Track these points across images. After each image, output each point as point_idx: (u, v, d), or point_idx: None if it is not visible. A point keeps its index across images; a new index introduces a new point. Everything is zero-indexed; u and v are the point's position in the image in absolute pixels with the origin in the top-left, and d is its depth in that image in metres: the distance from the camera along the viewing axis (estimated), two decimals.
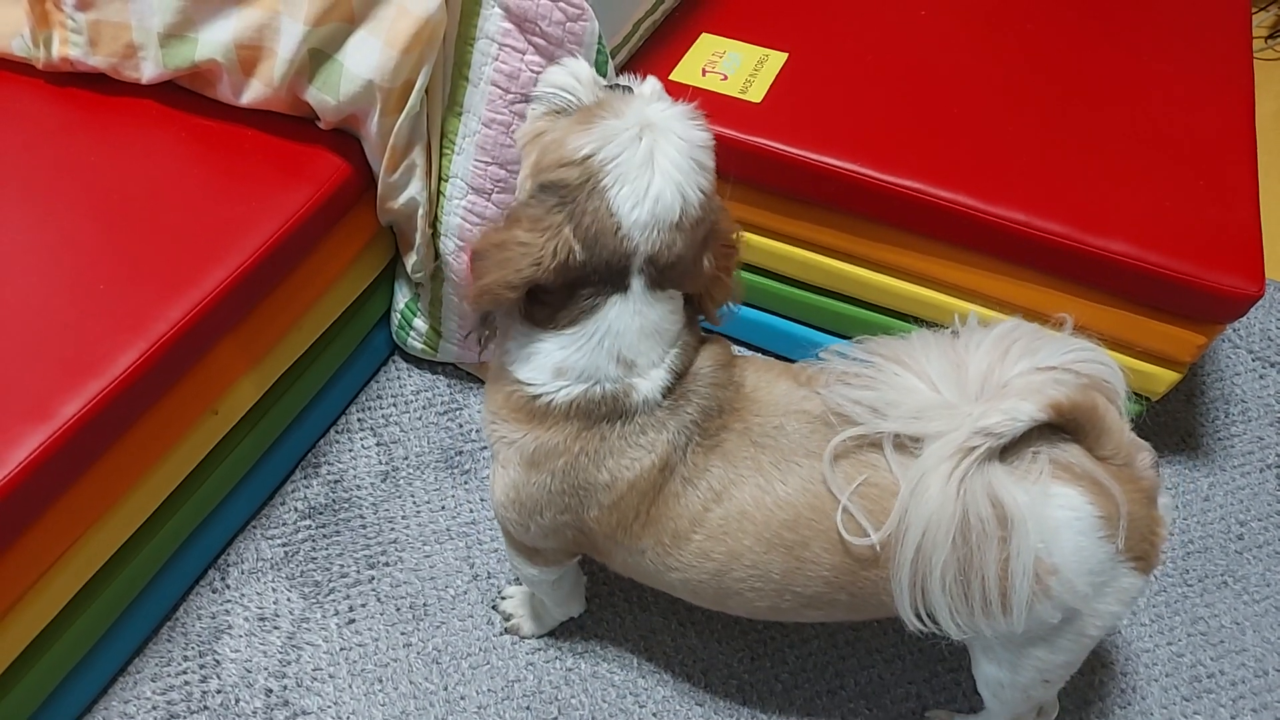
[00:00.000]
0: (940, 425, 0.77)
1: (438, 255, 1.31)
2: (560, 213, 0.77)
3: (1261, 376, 1.55)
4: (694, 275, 0.83)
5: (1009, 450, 0.78)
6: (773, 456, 0.85)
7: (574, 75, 0.85)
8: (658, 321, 0.83)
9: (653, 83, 0.83)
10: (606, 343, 0.82)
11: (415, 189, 1.23)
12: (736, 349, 0.95)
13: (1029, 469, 0.78)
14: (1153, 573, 0.85)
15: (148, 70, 1.19)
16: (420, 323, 1.41)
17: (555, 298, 0.81)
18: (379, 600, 1.26)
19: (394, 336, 1.47)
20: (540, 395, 0.85)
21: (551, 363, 0.84)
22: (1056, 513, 0.78)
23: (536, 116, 0.85)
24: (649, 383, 0.84)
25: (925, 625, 0.80)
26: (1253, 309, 1.51)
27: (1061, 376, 0.78)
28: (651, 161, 0.76)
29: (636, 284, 0.80)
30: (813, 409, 0.86)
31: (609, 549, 0.92)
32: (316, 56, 1.13)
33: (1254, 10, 2.14)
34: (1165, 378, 1.25)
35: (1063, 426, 0.79)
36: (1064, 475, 0.78)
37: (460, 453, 1.40)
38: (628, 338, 0.82)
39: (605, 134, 0.76)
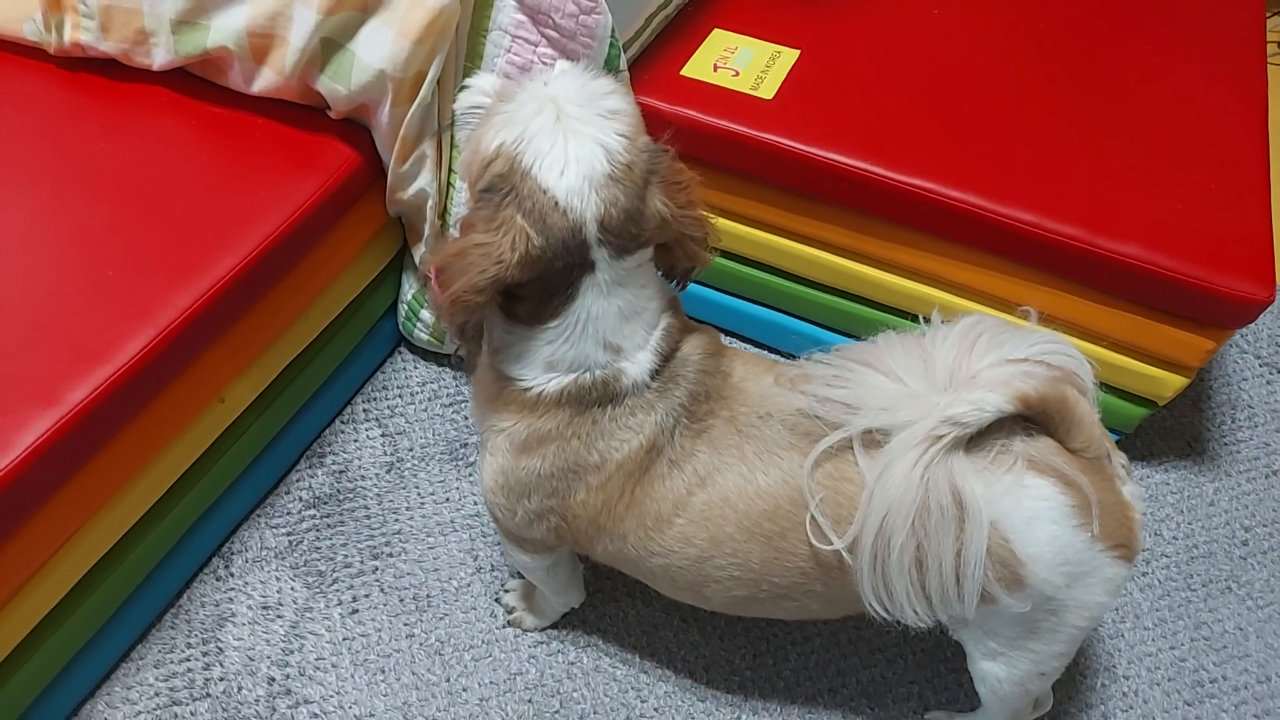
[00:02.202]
0: (908, 415, 0.78)
1: None
2: (508, 206, 0.76)
3: (1269, 382, 1.55)
4: (655, 225, 0.81)
5: (978, 441, 0.79)
6: (756, 447, 0.86)
7: (480, 91, 0.85)
8: (634, 301, 0.83)
9: (561, 64, 0.82)
10: (590, 329, 0.82)
11: (425, 180, 1.23)
12: (728, 341, 0.95)
13: (1000, 459, 0.79)
14: (1136, 560, 0.85)
15: (159, 57, 1.19)
16: (427, 315, 1.41)
17: (529, 292, 0.81)
18: (382, 591, 1.26)
19: (400, 328, 1.47)
20: (531, 388, 0.86)
21: (541, 358, 0.84)
22: (1030, 503, 0.79)
23: (465, 143, 0.85)
24: (636, 366, 0.85)
25: (887, 611, 0.81)
26: (1262, 315, 1.51)
27: (1033, 369, 0.78)
28: (559, 127, 0.75)
29: (601, 257, 0.79)
30: (795, 404, 0.87)
31: (592, 535, 0.92)
32: (329, 45, 1.13)
33: (1268, 15, 2.13)
34: (1173, 382, 1.24)
35: (1032, 419, 0.80)
36: (1034, 467, 0.79)
37: (465, 445, 1.40)
38: (608, 321, 0.83)
39: (505, 120, 0.76)
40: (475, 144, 0.79)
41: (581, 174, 0.75)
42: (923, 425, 0.77)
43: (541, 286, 0.80)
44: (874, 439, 0.81)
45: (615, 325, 0.83)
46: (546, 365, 0.85)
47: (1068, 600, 0.84)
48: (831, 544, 0.82)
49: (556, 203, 0.75)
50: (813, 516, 0.83)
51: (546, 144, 0.75)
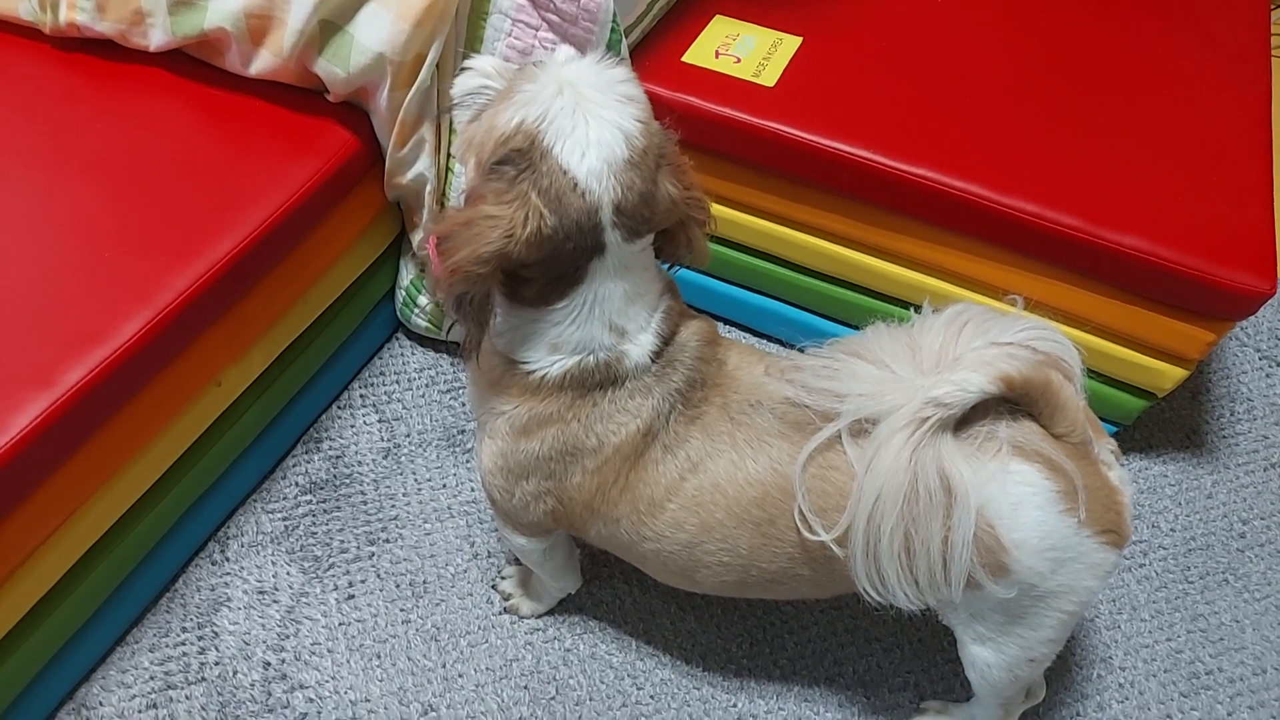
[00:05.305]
0: (893, 399, 0.78)
1: None
2: (523, 180, 0.76)
3: (1268, 375, 1.54)
4: (665, 208, 0.81)
5: (964, 425, 0.79)
6: (747, 434, 0.87)
7: (481, 73, 0.84)
8: (638, 282, 0.84)
9: (565, 50, 0.82)
10: (597, 311, 0.83)
11: (424, 165, 1.22)
12: (727, 330, 0.95)
13: (986, 445, 0.79)
14: (1125, 545, 0.85)
15: (156, 38, 1.18)
16: (425, 300, 1.40)
17: (537, 273, 0.80)
18: (378, 576, 1.26)
19: (398, 314, 1.46)
20: (535, 371, 0.86)
21: (546, 340, 0.84)
22: (1015, 489, 0.79)
23: (464, 126, 0.85)
24: (639, 348, 0.85)
25: (879, 595, 0.82)
26: (1262, 307, 1.51)
27: (1016, 352, 0.79)
28: (580, 111, 0.75)
29: (612, 239, 0.79)
30: (785, 393, 0.87)
31: (586, 519, 0.93)
32: (327, 28, 1.12)
33: (1273, 7, 2.12)
34: (1172, 374, 1.24)
35: (1017, 401, 0.80)
36: (1019, 453, 0.79)
37: (462, 431, 1.40)
38: (615, 302, 0.83)
39: (527, 99, 0.76)
40: (490, 121, 0.78)
41: (602, 158, 0.75)
42: (908, 408, 0.77)
43: (549, 267, 0.79)
44: (861, 427, 0.81)
45: (621, 307, 0.83)
46: (551, 347, 0.85)
47: (1054, 586, 0.84)
48: (819, 536, 0.83)
49: (576, 184, 0.75)
50: (800, 510, 0.83)
51: (568, 125, 0.75)
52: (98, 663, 1.17)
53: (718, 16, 1.39)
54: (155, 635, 1.20)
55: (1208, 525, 1.37)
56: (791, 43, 1.35)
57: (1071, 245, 1.17)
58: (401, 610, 1.23)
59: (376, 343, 1.48)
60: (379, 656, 1.19)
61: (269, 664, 1.18)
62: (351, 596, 1.24)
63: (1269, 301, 1.56)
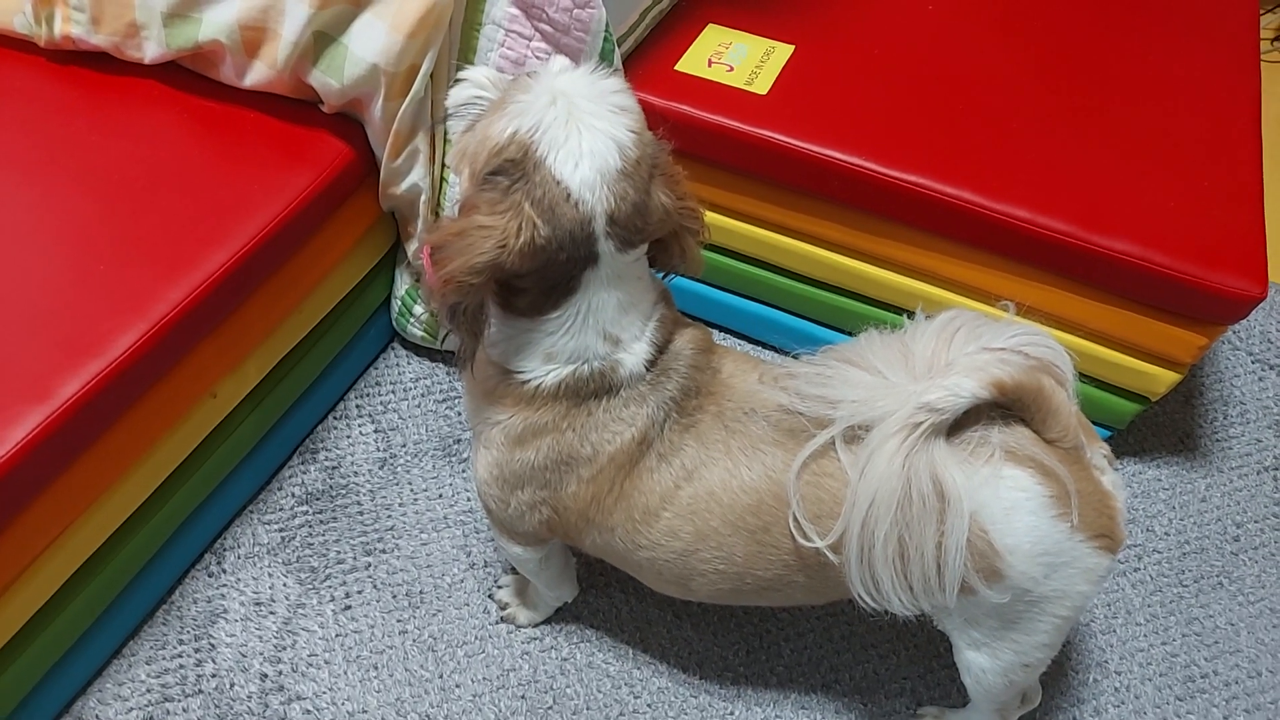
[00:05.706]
0: (886, 405, 0.79)
1: None
2: (516, 191, 0.76)
3: (1260, 379, 1.55)
4: (658, 218, 0.82)
5: (957, 431, 0.80)
6: (741, 442, 0.87)
7: (475, 84, 0.85)
8: (632, 291, 0.84)
9: (558, 60, 0.82)
10: (591, 321, 0.83)
11: (418, 175, 1.22)
12: (721, 338, 0.95)
13: (978, 450, 0.79)
14: (1119, 550, 0.86)
15: (150, 50, 1.19)
16: (420, 310, 1.40)
17: (530, 283, 0.80)
18: (375, 587, 1.26)
19: (394, 324, 1.46)
20: (530, 381, 0.86)
21: (540, 350, 0.85)
22: (1008, 494, 0.79)
23: (459, 136, 0.85)
24: (633, 357, 0.86)
25: (874, 601, 0.82)
26: (1254, 311, 1.51)
27: (1009, 357, 0.79)
28: (573, 121, 0.75)
29: (605, 249, 0.79)
30: (779, 401, 0.87)
31: (581, 528, 0.93)
32: (321, 39, 1.12)
33: (1262, 12, 2.13)
34: (1165, 378, 1.25)
35: (1009, 406, 0.81)
36: (1012, 458, 0.80)
37: (458, 441, 1.40)
38: (609, 312, 0.83)
39: (520, 110, 0.76)
40: (484, 132, 0.78)
41: (595, 168, 0.75)
42: (901, 414, 0.77)
43: (543, 278, 0.80)
44: (855, 434, 0.81)
45: (615, 317, 0.83)
46: (545, 357, 0.85)
47: (1048, 591, 0.84)
48: (814, 542, 0.83)
49: (569, 195, 0.75)
50: (795, 517, 0.84)
51: (561, 135, 0.75)
52: (94, 676, 1.17)
53: (710, 25, 1.40)
54: (152, 648, 1.19)
55: (1202, 529, 1.37)
56: (784, 51, 1.36)
57: (1063, 250, 1.18)
58: (398, 621, 1.23)
59: (372, 353, 1.48)
60: (376, 667, 1.19)
61: (266, 676, 1.18)
62: (348, 607, 1.24)
63: (1260, 305, 1.57)
